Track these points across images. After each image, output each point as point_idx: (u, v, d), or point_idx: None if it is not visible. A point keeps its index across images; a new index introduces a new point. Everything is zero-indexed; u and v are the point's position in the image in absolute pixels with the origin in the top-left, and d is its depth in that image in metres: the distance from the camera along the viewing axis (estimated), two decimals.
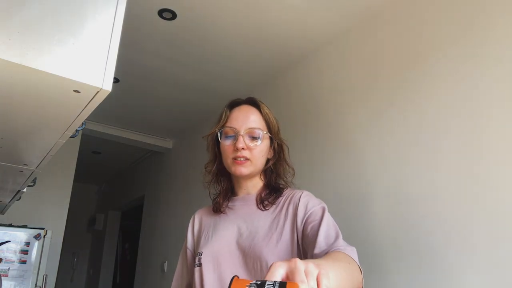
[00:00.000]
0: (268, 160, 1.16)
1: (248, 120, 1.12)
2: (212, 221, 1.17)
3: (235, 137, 1.11)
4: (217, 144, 1.17)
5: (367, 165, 1.78)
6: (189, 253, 1.20)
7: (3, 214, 2.30)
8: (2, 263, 2.62)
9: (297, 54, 2.31)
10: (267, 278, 0.56)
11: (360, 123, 1.87)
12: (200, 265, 1.07)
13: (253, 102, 1.17)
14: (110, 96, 0.75)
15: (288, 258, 0.66)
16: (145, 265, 3.90)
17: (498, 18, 1.42)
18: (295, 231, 1.03)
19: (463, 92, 1.47)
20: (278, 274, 0.57)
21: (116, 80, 2.69)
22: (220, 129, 1.14)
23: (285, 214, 1.07)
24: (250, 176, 1.14)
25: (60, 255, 3.23)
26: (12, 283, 2.67)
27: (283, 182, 1.19)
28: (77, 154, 3.45)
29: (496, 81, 1.38)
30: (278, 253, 1.00)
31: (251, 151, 1.10)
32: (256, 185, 1.17)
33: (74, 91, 0.72)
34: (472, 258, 1.32)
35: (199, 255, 1.09)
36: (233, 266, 1.03)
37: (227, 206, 1.17)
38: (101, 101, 0.77)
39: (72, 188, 3.43)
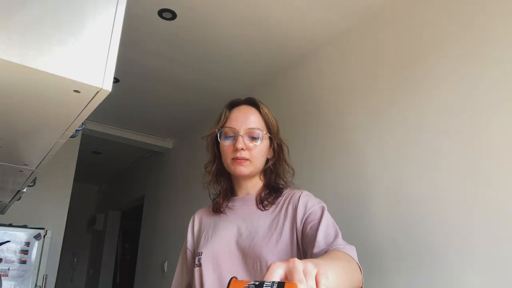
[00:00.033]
0: (267, 160, 1.16)
1: (247, 120, 1.12)
2: (212, 221, 1.17)
3: (235, 137, 1.11)
4: (216, 144, 1.17)
5: (367, 165, 1.78)
6: (189, 253, 1.20)
7: (3, 214, 2.30)
8: (2, 263, 2.62)
9: (297, 54, 2.31)
10: (265, 279, 0.56)
11: (360, 123, 1.87)
12: (200, 265, 1.07)
13: (252, 103, 1.17)
14: (110, 96, 0.75)
15: (288, 258, 0.66)
16: (145, 265, 3.90)
17: (498, 18, 1.42)
18: (294, 231, 1.03)
19: (463, 92, 1.47)
20: (276, 274, 0.57)
21: (116, 80, 2.69)
22: (220, 129, 1.14)
23: (285, 214, 1.07)
24: (249, 176, 1.14)
25: (60, 255, 3.23)
26: (12, 283, 2.67)
27: (282, 182, 1.19)
28: (77, 154, 3.45)
29: (496, 81, 1.38)
30: (277, 253, 1.00)
31: (250, 151, 1.10)
32: (255, 185, 1.17)
33: (74, 91, 0.72)
34: (472, 258, 1.32)
35: (199, 255, 1.09)
36: (233, 266, 1.03)
37: (226, 206, 1.17)
38: (101, 101, 0.77)
39: (72, 188, 3.43)
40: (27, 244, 2.78)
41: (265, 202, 1.11)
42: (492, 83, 1.39)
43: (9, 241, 2.68)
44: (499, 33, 1.40)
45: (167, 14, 2.01)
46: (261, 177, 1.18)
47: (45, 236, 2.84)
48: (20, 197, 1.84)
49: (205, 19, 2.04)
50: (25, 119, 0.90)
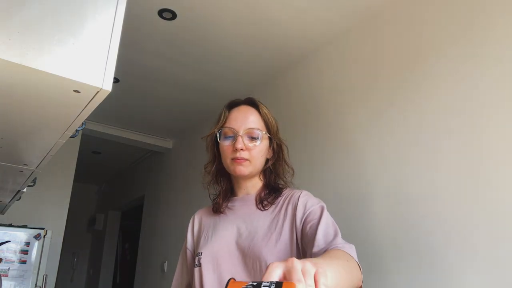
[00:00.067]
0: (267, 160, 1.16)
1: (247, 120, 1.12)
2: (211, 221, 1.17)
3: (234, 137, 1.11)
4: (216, 144, 1.17)
5: (367, 165, 1.78)
6: (189, 253, 1.20)
7: (3, 214, 2.30)
8: (2, 263, 2.62)
9: (297, 54, 2.31)
10: (264, 279, 0.56)
11: (360, 123, 1.87)
12: (199, 265, 1.07)
13: (251, 103, 1.17)
14: (110, 96, 0.75)
15: (287, 258, 0.66)
16: (145, 265, 3.90)
17: (498, 18, 1.42)
18: (294, 231, 1.03)
19: (463, 92, 1.47)
20: (275, 274, 0.57)
21: (116, 80, 2.69)
22: (219, 129, 1.14)
23: (284, 214, 1.07)
24: (249, 176, 1.14)
25: (60, 255, 3.23)
26: (12, 283, 2.67)
27: (282, 182, 1.19)
28: (77, 154, 3.45)
29: (496, 81, 1.38)
30: (277, 253, 1.00)
31: (250, 152, 1.10)
32: (255, 185, 1.17)
33: (74, 91, 0.72)
34: (472, 258, 1.32)
35: (199, 255, 1.09)
36: (233, 267, 1.03)
37: (226, 206, 1.17)
38: (101, 101, 0.77)
39: (72, 188, 3.43)
40: (27, 244, 2.78)
41: (265, 202, 1.11)
42: (492, 83, 1.39)
43: (9, 241, 2.68)
44: (499, 33, 1.40)
45: (167, 14, 2.01)
46: (261, 177, 1.18)
47: (45, 236, 2.84)
48: (20, 197, 1.84)
49: (205, 19, 2.04)
50: (25, 119, 0.90)
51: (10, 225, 2.81)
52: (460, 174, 1.42)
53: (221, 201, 1.17)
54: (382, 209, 1.66)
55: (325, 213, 1.02)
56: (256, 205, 1.12)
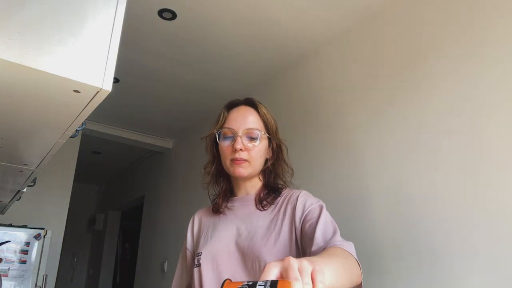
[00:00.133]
0: (266, 160, 1.16)
1: (246, 120, 1.12)
2: (211, 221, 1.17)
3: (233, 138, 1.11)
4: (215, 145, 1.17)
5: (367, 165, 1.78)
6: (188, 253, 1.20)
7: (3, 214, 2.30)
8: (2, 263, 2.62)
9: (297, 54, 2.31)
10: (261, 279, 0.56)
11: (360, 123, 1.87)
12: (199, 265, 1.07)
13: (251, 103, 1.17)
14: (110, 96, 0.75)
15: None
16: (145, 265, 3.90)
17: (498, 18, 1.42)
18: (293, 231, 1.03)
19: (463, 92, 1.47)
20: (272, 274, 0.57)
21: (116, 80, 2.69)
22: (218, 130, 1.14)
23: (284, 214, 1.07)
24: (249, 177, 1.14)
25: (60, 255, 3.23)
26: (12, 283, 2.67)
27: (281, 182, 1.19)
28: (77, 154, 3.45)
29: (496, 81, 1.38)
30: (276, 253, 1.00)
31: (249, 152, 1.10)
32: (255, 185, 1.17)
33: (74, 91, 0.72)
34: (472, 258, 1.32)
35: (198, 255, 1.09)
36: (232, 267, 1.03)
37: (226, 206, 1.17)
38: (101, 101, 0.77)
39: (72, 188, 3.43)
40: (27, 244, 2.78)
41: (264, 202, 1.11)
42: (492, 83, 1.39)
43: (9, 241, 2.68)
44: (499, 33, 1.40)
45: (167, 14, 2.01)
46: (260, 177, 1.18)
47: (45, 236, 2.84)
48: (20, 197, 1.85)
49: (205, 19, 2.04)
50: (25, 119, 0.90)
51: (10, 225, 2.81)
52: (460, 174, 1.42)
53: (220, 202, 1.17)
54: (382, 209, 1.66)
55: (324, 211, 1.02)
56: (256, 205, 1.12)
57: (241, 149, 1.09)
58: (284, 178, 1.19)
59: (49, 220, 3.15)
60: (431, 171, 1.51)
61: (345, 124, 1.95)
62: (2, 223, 2.78)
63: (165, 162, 4.01)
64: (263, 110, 1.16)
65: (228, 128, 1.12)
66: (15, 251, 2.73)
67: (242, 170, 1.10)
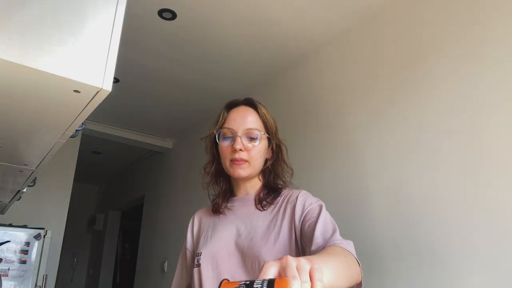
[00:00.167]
0: (266, 160, 1.16)
1: (245, 121, 1.12)
2: (211, 221, 1.17)
3: (233, 138, 1.11)
4: (215, 145, 1.17)
5: (367, 165, 1.78)
6: (188, 253, 1.20)
7: (3, 214, 2.30)
8: (2, 263, 2.62)
9: (297, 54, 2.31)
10: (259, 278, 0.56)
11: (360, 123, 1.87)
12: (199, 265, 1.07)
13: (250, 103, 1.17)
14: (110, 96, 0.75)
15: None
16: (145, 265, 3.90)
17: (498, 18, 1.42)
18: (293, 230, 1.03)
19: (463, 92, 1.47)
20: (270, 273, 0.57)
21: (116, 80, 2.69)
22: (218, 130, 1.14)
23: (283, 214, 1.07)
24: (248, 178, 1.14)
25: (60, 255, 3.23)
26: (12, 283, 2.67)
27: (281, 182, 1.19)
28: (77, 154, 3.45)
29: (496, 81, 1.38)
30: (276, 252, 1.00)
31: (249, 152, 1.10)
32: (254, 185, 1.17)
33: (74, 91, 0.72)
34: (472, 258, 1.32)
35: (198, 255, 1.09)
36: (232, 267, 1.03)
37: (226, 207, 1.17)
38: (101, 101, 0.77)
39: (72, 188, 3.43)
40: (27, 244, 2.78)
41: (264, 202, 1.11)
42: (492, 83, 1.39)
43: (9, 241, 2.68)
44: (499, 33, 1.40)
45: (167, 14, 2.01)
46: (260, 177, 1.18)
47: (45, 236, 2.84)
48: (20, 197, 1.85)
49: (205, 19, 2.04)
50: (25, 119, 0.90)
51: (10, 225, 2.81)
52: (460, 174, 1.42)
53: (220, 202, 1.17)
54: (382, 209, 1.66)
55: (324, 211, 1.02)
56: (255, 205, 1.12)
57: (240, 149, 1.09)
58: (283, 178, 1.19)
59: (49, 220, 3.15)
60: (431, 171, 1.51)
61: (345, 124, 1.95)
62: (2, 223, 2.78)
63: (165, 162, 4.01)
64: (263, 110, 1.16)
65: (228, 128, 1.12)
66: (15, 251, 2.73)
67: (241, 171, 1.10)
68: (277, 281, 0.52)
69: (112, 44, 0.73)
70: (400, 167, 1.63)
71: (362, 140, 1.84)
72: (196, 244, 1.17)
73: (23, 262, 2.74)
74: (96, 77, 0.70)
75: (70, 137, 1.00)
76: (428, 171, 1.52)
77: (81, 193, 5.17)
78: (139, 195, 4.51)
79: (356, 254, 0.90)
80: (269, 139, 1.16)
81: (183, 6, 1.96)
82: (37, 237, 2.81)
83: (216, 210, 1.17)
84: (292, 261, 0.57)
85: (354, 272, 0.82)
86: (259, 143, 1.11)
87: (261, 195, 1.14)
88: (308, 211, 1.03)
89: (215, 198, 1.20)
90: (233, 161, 1.10)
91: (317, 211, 1.02)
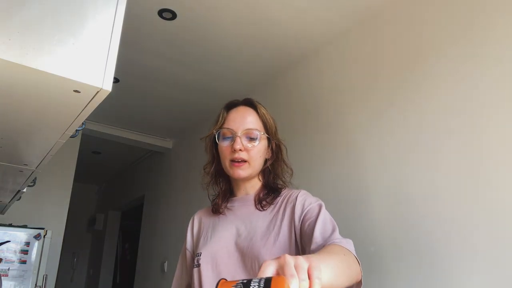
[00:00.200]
0: (266, 161, 1.16)
1: (245, 121, 1.12)
2: (211, 222, 1.17)
3: (233, 138, 1.11)
4: (215, 145, 1.17)
5: (367, 165, 1.78)
6: (188, 254, 1.20)
7: (3, 214, 2.30)
8: (2, 263, 2.62)
9: (297, 54, 2.31)
10: (257, 276, 0.56)
11: (360, 123, 1.87)
12: (198, 265, 1.07)
13: (250, 103, 1.17)
14: (110, 96, 0.75)
15: None
16: (145, 265, 3.90)
17: (498, 18, 1.42)
18: (292, 230, 1.03)
19: (463, 92, 1.47)
20: (268, 271, 0.57)
21: (116, 80, 2.69)
22: (218, 130, 1.14)
23: (283, 214, 1.07)
24: (248, 178, 1.14)
25: (60, 255, 3.23)
26: (12, 283, 2.67)
27: (281, 182, 1.19)
28: (77, 154, 3.45)
29: (496, 81, 1.38)
30: (275, 252, 1.00)
31: (248, 152, 1.10)
32: (254, 185, 1.17)
33: (74, 91, 0.72)
34: (472, 258, 1.32)
35: (198, 255, 1.09)
36: (232, 267, 1.03)
37: (225, 207, 1.17)
38: (101, 101, 0.77)
39: (72, 188, 3.43)
40: (27, 244, 2.78)
41: (264, 202, 1.11)
42: (492, 83, 1.39)
43: (9, 241, 2.68)
44: (499, 33, 1.40)
45: (167, 14, 2.01)
46: (260, 177, 1.18)
47: (45, 236, 2.83)
48: (20, 197, 1.85)
49: (205, 19, 2.04)
50: (25, 119, 0.90)
51: (10, 225, 2.81)
52: (460, 174, 1.42)
53: (220, 202, 1.17)
54: (382, 209, 1.66)
55: (323, 210, 1.02)
56: (255, 205, 1.12)
57: (240, 150, 1.09)
58: (283, 178, 1.19)
59: (49, 220, 3.15)
60: (431, 171, 1.51)
61: (345, 124, 1.95)
62: (2, 223, 2.78)
63: (165, 162, 4.01)
64: (262, 110, 1.16)
65: (227, 128, 1.12)
66: (15, 251, 2.73)
67: (241, 172, 1.10)
68: (274, 279, 0.52)
69: (112, 44, 0.73)
70: (400, 167, 1.63)
71: (362, 140, 1.84)
72: (196, 244, 1.17)
73: (23, 262, 2.74)
74: (96, 77, 0.70)
75: (70, 137, 1.00)
76: (428, 171, 1.52)
77: (81, 193, 5.16)
78: (139, 195, 4.51)
79: (356, 254, 0.90)
80: (268, 139, 1.16)
81: (183, 6, 1.96)
82: (37, 237, 2.81)
83: (216, 210, 1.17)
84: (290, 260, 0.57)
85: (353, 271, 0.82)
86: (258, 143, 1.11)
87: (261, 195, 1.14)
88: (307, 211, 1.03)
89: (215, 198, 1.20)
90: (232, 161, 1.10)
91: (316, 210, 1.02)
